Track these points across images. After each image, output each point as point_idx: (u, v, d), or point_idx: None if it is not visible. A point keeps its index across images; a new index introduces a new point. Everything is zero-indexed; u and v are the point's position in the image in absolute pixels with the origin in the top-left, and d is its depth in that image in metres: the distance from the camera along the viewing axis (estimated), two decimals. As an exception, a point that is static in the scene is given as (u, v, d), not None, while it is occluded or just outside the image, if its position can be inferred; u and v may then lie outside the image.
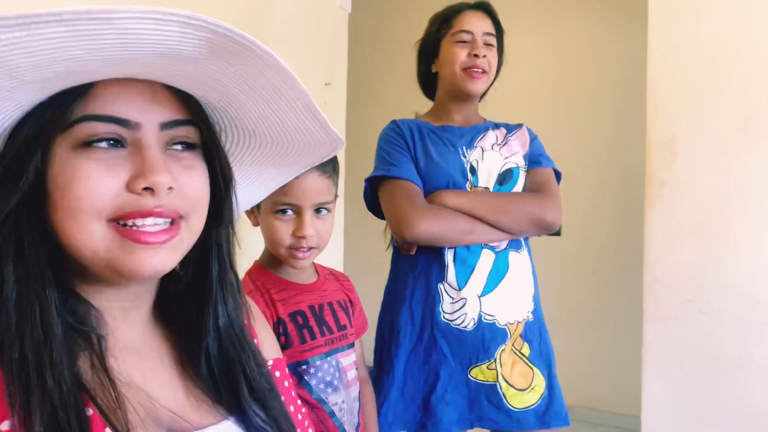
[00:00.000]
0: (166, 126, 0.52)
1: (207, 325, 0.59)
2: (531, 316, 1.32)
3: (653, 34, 1.88)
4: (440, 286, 1.28)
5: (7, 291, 0.47)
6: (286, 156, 0.66)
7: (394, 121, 1.40)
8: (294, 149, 0.64)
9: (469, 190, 1.31)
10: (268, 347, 0.72)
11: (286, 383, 0.71)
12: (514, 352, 1.29)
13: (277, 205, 0.98)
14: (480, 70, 1.32)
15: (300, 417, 0.72)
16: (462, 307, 1.26)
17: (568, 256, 3.19)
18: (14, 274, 0.48)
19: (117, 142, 0.50)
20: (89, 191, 0.48)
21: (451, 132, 1.37)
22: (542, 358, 1.32)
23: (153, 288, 0.59)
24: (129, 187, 0.49)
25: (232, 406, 0.59)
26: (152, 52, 0.45)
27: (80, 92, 0.48)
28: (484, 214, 1.26)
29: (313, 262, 1.13)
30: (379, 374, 1.29)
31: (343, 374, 1.04)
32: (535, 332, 1.32)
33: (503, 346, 1.27)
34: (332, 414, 1.00)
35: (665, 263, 1.86)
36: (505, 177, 1.34)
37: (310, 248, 1.00)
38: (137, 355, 0.55)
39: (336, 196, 1.05)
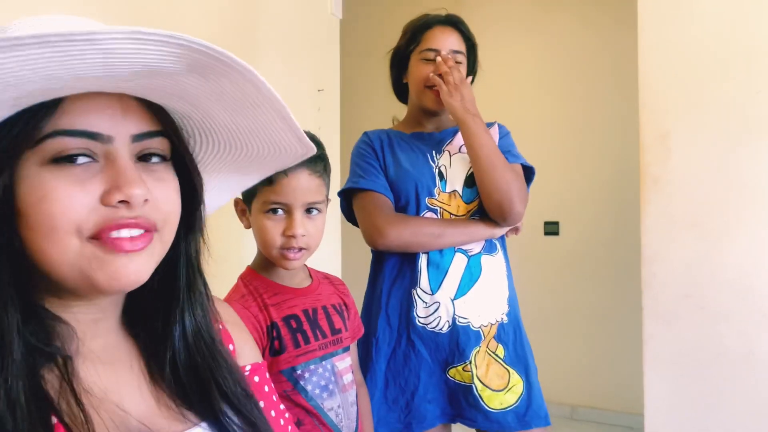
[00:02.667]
0: (137, 138, 0.52)
1: (173, 332, 0.59)
2: (505, 318, 1.34)
3: (643, 32, 1.88)
4: (414, 291, 1.31)
5: None
6: (251, 162, 0.66)
7: (365, 133, 1.44)
8: (261, 156, 0.64)
9: (437, 195, 1.34)
10: (247, 352, 0.71)
11: (267, 388, 0.71)
12: (489, 354, 1.30)
13: (268, 205, 0.98)
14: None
15: (282, 422, 0.71)
16: (435, 311, 1.29)
17: (567, 255, 3.19)
18: None
19: (88, 157, 0.49)
20: (64, 208, 0.47)
21: (421, 138, 1.41)
22: (518, 359, 1.33)
23: (121, 297, 0.59)
24: (104, 201, 0.49)
25: (205, 413, 0.58)
26: (132, 70, 0.45)
27: (49, 107, 0.47)
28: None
29: (308, 267, 1.13)
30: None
31: (339, 378, 1.04)
32: (509, 334, 1.34)
33: (477, 348, 1.30)
34: (328, 419, 1.00)
35: (662, 259, 1.86)
36: (473, 179, 1.34)
37: (301, 249, 1.00)
38: (107, 364, 0.55)
39: (327, 197, 1.05)
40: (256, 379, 0.70)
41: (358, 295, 1.31)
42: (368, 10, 3.57)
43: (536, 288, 3.11)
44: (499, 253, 1.37)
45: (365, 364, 1.31)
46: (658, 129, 1.86)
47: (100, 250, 0.49)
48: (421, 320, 1.29)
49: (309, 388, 0.99)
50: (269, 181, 0.98)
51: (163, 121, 0.54)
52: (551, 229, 3.22)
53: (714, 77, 1.79)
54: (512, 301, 1.37)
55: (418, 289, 1.30)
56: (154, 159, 0.54)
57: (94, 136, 0.49)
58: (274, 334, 0.98)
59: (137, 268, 0.51)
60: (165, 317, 0.59)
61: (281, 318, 1.00)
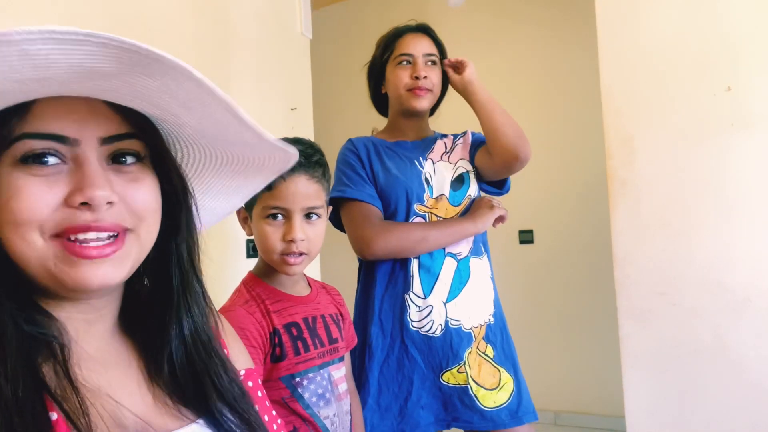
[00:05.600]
0: (106, 141, 0.53)
1: (170, 332, 0.60)
2: (492, 319, 1.38)
3: (602, 40, 1.96)
4: (407, 296, 1.33)
5: None
6: (243, 169, 0.67)
7: (350, 141, 1.46)
8: (246, 163, 0.66)
9: (426, 201, 1.37)
10: (240, 358, 0.73)
11: (260, 393, 0.72)
12: (479, 354, 1.34)
13: (267, 210, 1.00)
14: (424, 89, 1.40)
15: (275, 427, 0.72)
16: (429, 315, 1.31)
17: (540, 262, 3.25)
18: None
19: (57, 158, 0.51)
20: (28, 206, 0.49)
21: (405, 147, 1.44)
22: (507, 357, 1.37)
23: (116, 298, 0.60)
24: (67, 202, 0.50)
25: (201, 410, 0.59)
26: (66, 72, 0.45)
27: (20, 110, 0.49)
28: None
29: (306, 276, 1.14)
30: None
31: (335, 387, 1.05)
32: (497, 334, 1.38)
33: (469, 349, 1.33)
34: (324, 427, 1.01)
35: (634, 259, 1.92)
36: (458, 183, 1.41)
37: (302, 254, 1.01)
38: (102, 364, 0.56)
39: (327, 203, 1.07)
40: (250, 384, 0.71)
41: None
42: (336, 30, 3.63)
43: (514, 296, 3.15)
44: (484, 256, 1.42)
45: (359, 371, 1.31)
46: (621, 133, 1.94)
47: (67, 252, 0.50)
48: (415, 324, 1.31)
49: (306, 395, 1.00)
50: (268, 187, 0.99)
51: (135, 124, 0.55)
52: (526, 237, 3.29)
53: (671, 80, 1.87)
54: (497, 302, 1.41)
55: (411, 294, 1.32)
56: (129, 160, 0.55)
57: (60, 138, 0.50)
58: (276, 340, 0.99)
59: (105, 272, 0.52)
60: (161, 317, 0.60)
61: (283, 325, 1.01)
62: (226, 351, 0.69)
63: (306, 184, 1.00)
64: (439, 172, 1.40)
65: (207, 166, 0.66)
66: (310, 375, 1.01)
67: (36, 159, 0.50)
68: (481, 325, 1.35)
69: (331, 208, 1.10)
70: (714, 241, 1.82)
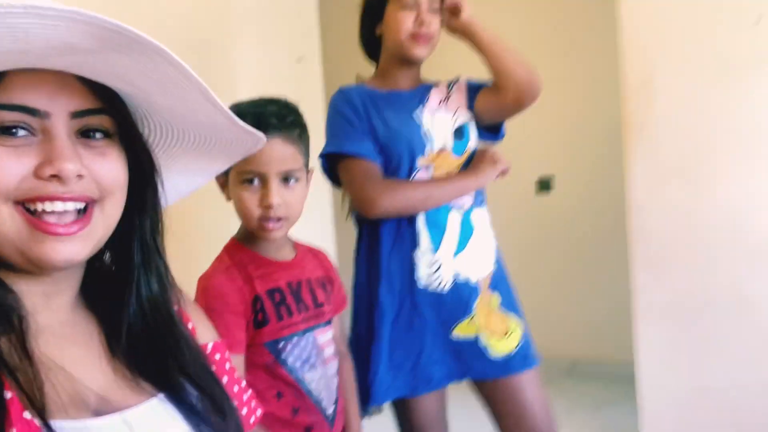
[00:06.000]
0: (76, 115, 0.53)
1: (129, 307, 0.61)
2: (495, 266, 1.36)
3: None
4: (414, 253, 1.30)
5: None
6: (212, 148, 0.67)
7: (341, 91, 1.38)
8: (212, 143, 0.66)
9: (427, 156, 1.32)
10: (205, 333, 0.73)
11: (228, 366, 0.73)
12: (487, 303, 1.33)
13: (243, 175, 0.97)
14: (427, 37, 1.31)
15: (245, 398, 0.73)
16: (437, 270, 1.29)
17: (554, 212, 3.18)
18: None
19: (27, 131, 0.51)
20: None
21: (401, 97, 1.37)
22: (511, 304, 1.37)
23: (77, 273, 0.60)
24: (36, 174, 0.51)
25: (162, 384, 0.60)
26: (45, 46, 0.45)
27: None
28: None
29: (292, 240, 1.12)
30: (362, 349, 1.30)
31: (320, 351, 1.04)
32: (501, 281, 1.37)
33: (477, 300, 1.31)
34: (309, 391, 1.01)
35: (649, 209, 1.84)
36: (459, 133, 1.36)
37: (279, 219, 0.98)
38: (62, 339, 0.56)
39: (306, 166, 1.03)
40: (217, 357, 0.72)
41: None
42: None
43: (529, 246, 3.11)
44: (484, 205, 1.39)
45: (367, 331, 1.30)
46: (641, 75, 1.83)
47: (34, 228, 0.51)
48: (423, 282, 1.29)
49: (290, 360, 0.99)
50: None
51: (106, 100, 0.55)
52: (543, 185, 3.21)
53: (694, 16, 1.74)
54: (497, 251, 1.39)
55: (419, 251, 1.29)
56: (97, 135, 0.55)
57: (30, 111, 0.51)
58: (258, 306, 0.98)
59: (70, 250, 0.53)
60: (121, 291, 0.61)
61: (265, 291, 0.99)
62: (190, 326, 0.69)
63: (281, 146, 0.96)
64: (438, 123, 1.34)
65: (173, 144, 0.66)
66: (294, 340, 1.00)
67: (5, 131, 0.50)
68: (486, 276, 1.34)
69: (312, 170, 1.06)
70: (735, 189, 1.74)
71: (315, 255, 1.15)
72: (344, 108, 1.33)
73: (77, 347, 0.57)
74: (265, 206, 0.96)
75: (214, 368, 0.69)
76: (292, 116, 0.99)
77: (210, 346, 0.71)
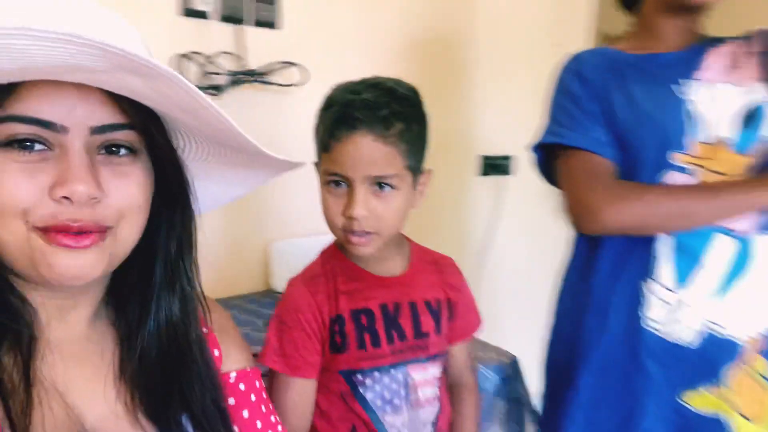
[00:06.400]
0: (97, 130, 0.49)
1: (146, 327, 0.58)
2: None
3: None
4: (645, 284, 0.94)
5: None
6: (251, 163, 0.61)
7: (574, 57, 1.02)
8: (252, 160, 0.60)
9: (690, 148, 0.90)
10: (234, 356, 0.67)
11: (254, 397, 0.66)
12: (752, 374, 0.91)
13: (327, 176, 0.81)
14: None
15: None
16: (679, 313, 0.92)
17: None
18: None
19: (43, 144, 0.48)
20: (9, 194, 0.47)
21: (658, 62, 0.95)
22: None
23: (97, 287, 0.57)
24: (50, 194, 0.48)
25: (160, 420, 0.56)
26: (46, 63, 0.42)
27: (7, 91, 0.46)
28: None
29: (412, 245, 0.93)
30: (556, 396, 1.03)
31: (412, 392, 0.85)
32: None
33: (735, 366, 0.91)
34: None
35: None
36: (751, 120, 0.89)
37: (368, 233, 0.80)
38: (70, 358, 0.54)
39: (409, 169, 0.81)
40: (242, 387, 0.66)
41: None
42: None
43: None
44: None
45: (565, 374, 1.02)
46: None
47: (44, 241, 0.48)
48: (654, 324, 0.94)
49: (369, 396, 0.83)
50: (324, 147, 0.80)
51: (132, 114, 0.50)
52: None
53: None
54: None
55: (654, 283, 0.93)
56: (122, 151, 0.51)
57: (46, 124, 0.47)
58: (336, 328, 0.83)
59: (83, 263, 0.49)
60: (140, 310, 0.58)
61: (350, 310, 0.84)
62: (217, 351, 0.64)
63: (371, 146, 0.76)
64: (717, 100, 0.90)
65: (207, 158, 0.61)
66: (377, 374, 0.83)
67: (20, 144, 0.47)
68: (761, 334, 0.92)
69: (430, 172, 0.82)
70: None
71: (438, 268, 0.93)
72: (572, 83, 0.99)
73: (84, 368, 0.55)
74: (348, 216, 0.79)
75: (233, 401, 0.64)
76: (390, 107, 0.77)
77: (233, 376, 0.65)
